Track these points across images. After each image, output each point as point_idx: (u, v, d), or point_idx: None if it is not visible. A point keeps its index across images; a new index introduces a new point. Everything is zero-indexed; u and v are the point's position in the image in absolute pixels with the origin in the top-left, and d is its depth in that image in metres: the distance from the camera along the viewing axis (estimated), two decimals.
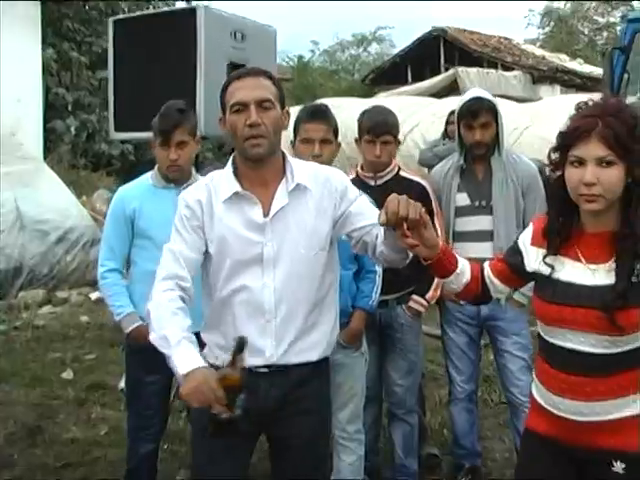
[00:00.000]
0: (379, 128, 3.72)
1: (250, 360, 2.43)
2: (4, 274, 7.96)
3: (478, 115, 3.80)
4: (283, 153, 2.59)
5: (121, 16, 5.04)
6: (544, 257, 2.33)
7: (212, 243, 2.50)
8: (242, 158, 2.52)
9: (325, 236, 2.53)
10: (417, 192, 3.78)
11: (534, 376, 2.45)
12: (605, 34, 32.53)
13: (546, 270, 2.31)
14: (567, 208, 2.27)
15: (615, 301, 2.13)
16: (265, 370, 2.53)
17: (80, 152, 14.39)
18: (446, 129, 7.79)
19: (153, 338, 2.34)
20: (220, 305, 2.55)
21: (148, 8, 17.28)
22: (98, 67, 15.61)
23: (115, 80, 4.98)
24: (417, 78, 22.53)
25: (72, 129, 14.22)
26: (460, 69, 19.78)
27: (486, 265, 2.54)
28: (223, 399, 2.18)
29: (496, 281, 2.50)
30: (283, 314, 2.50)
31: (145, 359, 3.51)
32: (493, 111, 3.84)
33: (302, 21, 56.84)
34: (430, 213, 3.82)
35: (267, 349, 2.51)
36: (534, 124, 12.03)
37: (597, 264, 2.22)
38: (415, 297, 3.82)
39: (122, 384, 5.85)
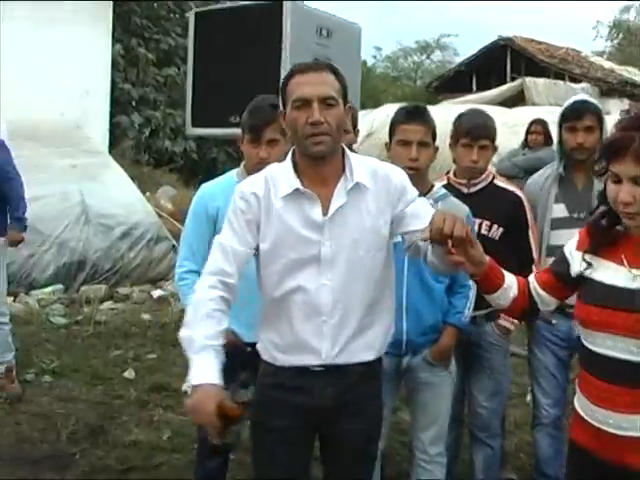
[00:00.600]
0: (477, 131, 3.51)
1: (306, 359, 2.44)
2: (67, 267, 7.91)
3: (582, 117, 3.56)
4: (343, 149, 2.49)
5: (203, 9, 4.84)
6: (583, 254, 2.26)
7: (265, 239, 2.43)
8: (302, 154, 2.43)
9: (383, 236, 2.46)
10: (511, 202, 3.57)
11: (576, 385, 2.34)
12: None
13: (585, 268, 2.25)
14: (612, 212, 2.19)
15: None
16: (320, 369, 2.46)
17: (143, 148, 14.39)
18: (526, 138, 7.62)
19: (182, 334, 2.32)
20: (276, 304, 2.48)
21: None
22: (164, 64, 15.67)
23: (194, 74, 4.84)
24: (482, 87, 22.21)
25: (136, 125, 14.22)
26: (527, 79, 19.43)
27: (531, 278, 2.46)
28: (216, 426, 2.17)
29: (542, 293, 2.41)
30: (339, 315, 2.43)
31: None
32: (598, 116, 3.60)
33: (364, 27, 56.50)
34: (524, 225, 3.62)
35: (323, 350, 2.44)
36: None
37: None
38: (505, 314, 3.58)
39: (186, 387, 5.71)
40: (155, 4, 16.08)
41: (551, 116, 6.68)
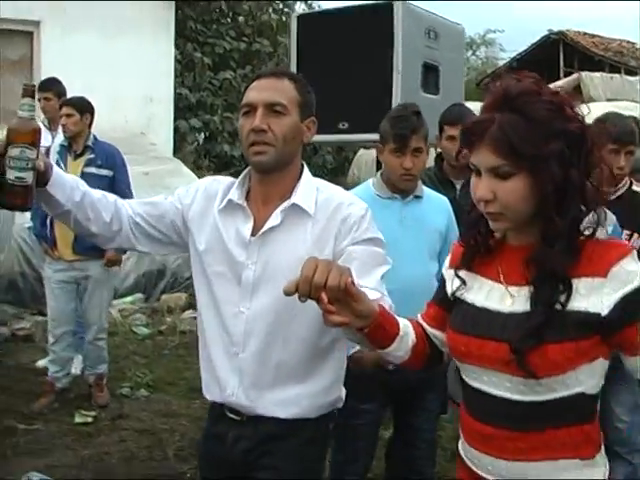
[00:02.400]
0: (626, 136, 3.34)
1: (214, 391, 2.24)
2: (147, 276, 7.85)
3: None
4: (301, 169, 2.22)
5: (305, 11, 4.72)
6: (456, 270, 1.86)
7: (201, 241, 2.23)
8: (251, 169, 2.22)
9: None
10: None
11: (460, 427, 1.91)
12: None
13: (456, 286, 1.85)
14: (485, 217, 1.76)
15: (525, 340, 1.62)
16: (235, 417, 2.22)
17: (203, 153, 14.37)
18: None
19: None
20: (200, 314, 2.28)
21: (268, 10, 17.30)
22: (220, 68, 15.64)
23: None
24: None
25: (195, 129, 14.21)
26: (584, 74, 19.05)
27: (419, 317, 2.03)
28: None
29: (434, 331, 1.98)
30: (253, 350, 2.15)
31: (361, 386, 3.24)
32: None
33: None
34: None
35: (229, 385, 2.19)
36: None
37: (520, 286, 1.71)
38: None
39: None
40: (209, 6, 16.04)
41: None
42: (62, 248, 5.15)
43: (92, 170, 5.18)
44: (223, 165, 14.63)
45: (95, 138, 5.36)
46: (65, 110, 5.25)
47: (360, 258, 1.88)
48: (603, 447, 1.78)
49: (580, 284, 1.63)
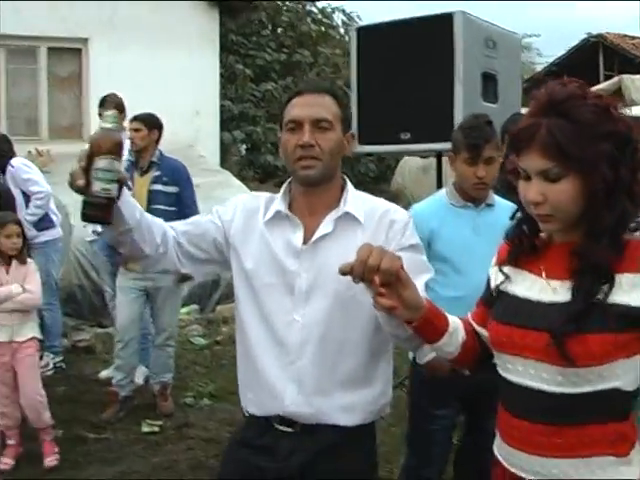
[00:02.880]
0: None
1: (269, 405, 2.20)
2: (202, 287, 7.94)
3: None
4: (344, 181, 2.29)
5: (366, 24, 4.80)
6: (501, 266, 1.93)
7: (247, 258, 2.24)
8: (294, 181, 2.26)
9: None
10: None
11: (497, 426, 1.94)
12: None
13: (500, 280, 1.91)
14: (532, 218, 1.83)
15: (564, 326, 1.67)
16: (287, 429, 2.19)
17: (247, 164, 14.49)
18: None
19: None
20: (245, 334, 2.27)
21: (307, 21, 17.42)
22: (261, 79, 15.78)
23: (359, 91, 4.77)
24: None
25: (238, 141, 14.34)
26: (625, 76, 18.81)
27: (469, 316, 2.08)
28: (81, 163, 1.90)
29: (483, 330, 2.01)
30: (311, 358, 2.16)
31: (436, 391, 3.30)
32: None
33: None
34: None
35: (287, 394, 2.17)
36: None
37: (561, 280, 1.77)
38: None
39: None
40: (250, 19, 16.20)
41: None
42: (132, 265, 5.24)
43: (159, 187, 5.28)
44: (267, 175, 14.75)
45: (161, 154, 5.47)
46: (133, 125, 5.38)
47: (405, 264, 1.88)
48: (638, 445, 1.79)
49: (623, 279, 1.69)
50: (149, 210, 5.25)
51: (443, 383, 3.21)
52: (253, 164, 14.78)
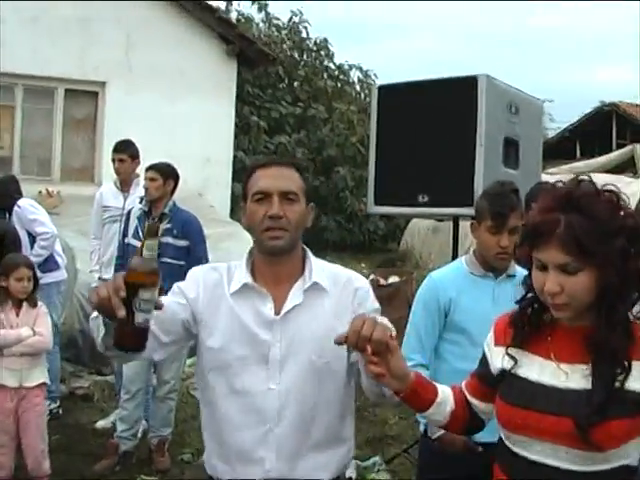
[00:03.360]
0: None
1: (249, 472, 2.24)
2: None
3: None
4: (304, 250, 2.38)
5: (387, 82, 4.74)
6: (507, 348, 2.00)
7: (214, 334, 2.26)
8: (258, 251, 2.32)
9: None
10: None
11: None
12: None
13: (509, 365, 1.98)
14: (538, 300, 1.94)
15: (591, 416, 1.77)
16: None
17: None
18: None
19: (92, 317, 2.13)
20: (217, 407, 2.30)
21: (323, 76, 17.53)
22: (275, 132, 15.82)
23: (377, 150, 4.71)
24: (586, 154, 21.75)
25: None
26: (638, 145, 18.91)
27: (462, 385, 2.19)
28: (121, 292, 1.85)
29: (474, 401, 2.13)
30: (287, 424, 2.24)
31: (446, 467, 3.17)
32: None
33: None
34: None
35: (267, 460, 2.24)
36: None
37: (572, 364, 1.87)
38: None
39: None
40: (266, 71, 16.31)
41: None
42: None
43: (169, 240, 5.20)
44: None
45: (174, 205, 5.40)
46: (149, 174, 5.32)
47: None
48: None
49: (635, 367, 1.80)
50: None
51: (454, 458, 3.09)
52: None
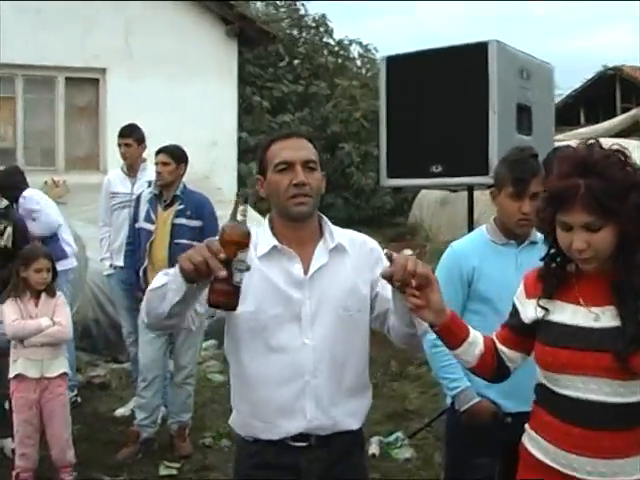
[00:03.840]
0: None
1: (289, 425, 2.36)
2: (219, 322, 7.71)
3: None
4: (319, 215, 2.52)
5: (395, 53, 4.63)
6: (538, 300, 2.20)
7: (246, 298, 2.27)
8: (280, 218, 2.45)
9: (363, 297, 2.45)
10: None
11: (528, 430, 2.28)
12: None
13: (542, 314, 2.19)
14: (562, 254, 2.16)
15: (628, 346, 2.00)
16: (304, 445, 2.39)
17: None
18: None
19: (149, 295, 2.26)
20: (253, 367, 2.40)
21: (324, 52, 17.39)
22: (278, 111, 15.70)
23: (388, 123, 4.62)
24: (590, 119, 21.58)
25: (254, 172, 14.21)
26: None
27: (494, 335, 2.37)
28: (221, 255, 2.00)
29: (504, 348, 2.32)
30: (323, 375, 2.39)
31: (475, 438, 3.12)
32: None
33: None
34: None
35: (307, 410, 2.38)
36: None
37: (600, 306, 2.10)
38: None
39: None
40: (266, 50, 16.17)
41: None
42: None
43: (182, 221, 5.16)
44: None
45: (185, 187, 5.34)
46: (161, 158, 5.25)
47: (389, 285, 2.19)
48: None
49: None
50: (171, 244, 5.12)
51: (483, 429, 3.04)
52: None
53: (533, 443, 2.24)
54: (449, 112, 4.36)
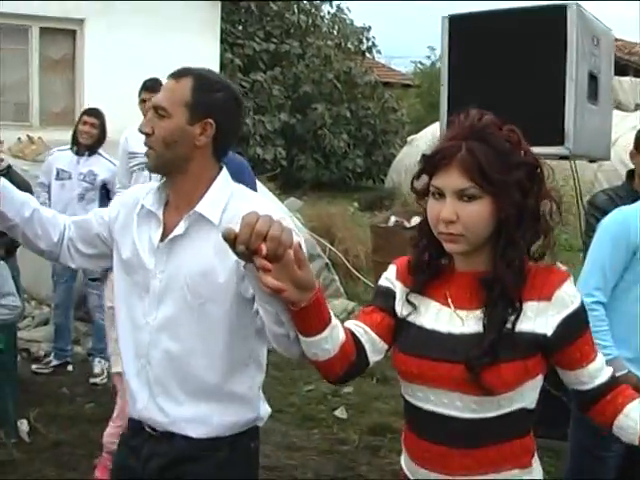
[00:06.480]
0: None
1: (132, 406, 2.18)
2: None
3: None
4: (218, 174, 2.10)
5: (458, 12, 4.30)
6: (407, 295, 1.89)
7: (125, 248, 2.16)
8: None
9: (219, 287, 2.01)
10: None
11: (402, 443, 1.96)
12: None
13: (407, 311, 1.88)
14: (436, 241, 1.83)
15: (481, 358, 1.72)
16: (151, 432, 2.14)
17: None
18: None
19: None
20: (119, 328, 2.23)
21: (294, 10, 16.95)
22: (249, 69, 15.31)
23: (449, 88, 4.33)
24: None
25: None
26: (615, 78, 18.73)
27: (353, 321, 1.91)
28: None
29: (375, 336, 1.88)
30: (160, 364, 2.09)
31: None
32: None
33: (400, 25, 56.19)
34: None
35: (139, 398, 2.14)
36: None
37: (468, 310, 1.82)
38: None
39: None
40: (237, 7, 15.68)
41: None
42: None
43: None
44: (255, 169, 14.28)
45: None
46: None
47: None
48: (536, 453, 1.89)
49: (527, 307, 1.76)
50: None
51: None
52: (241, 156, 14.28)
53: (403, 457, 1.97)
54: (518, 79, 4.07)
